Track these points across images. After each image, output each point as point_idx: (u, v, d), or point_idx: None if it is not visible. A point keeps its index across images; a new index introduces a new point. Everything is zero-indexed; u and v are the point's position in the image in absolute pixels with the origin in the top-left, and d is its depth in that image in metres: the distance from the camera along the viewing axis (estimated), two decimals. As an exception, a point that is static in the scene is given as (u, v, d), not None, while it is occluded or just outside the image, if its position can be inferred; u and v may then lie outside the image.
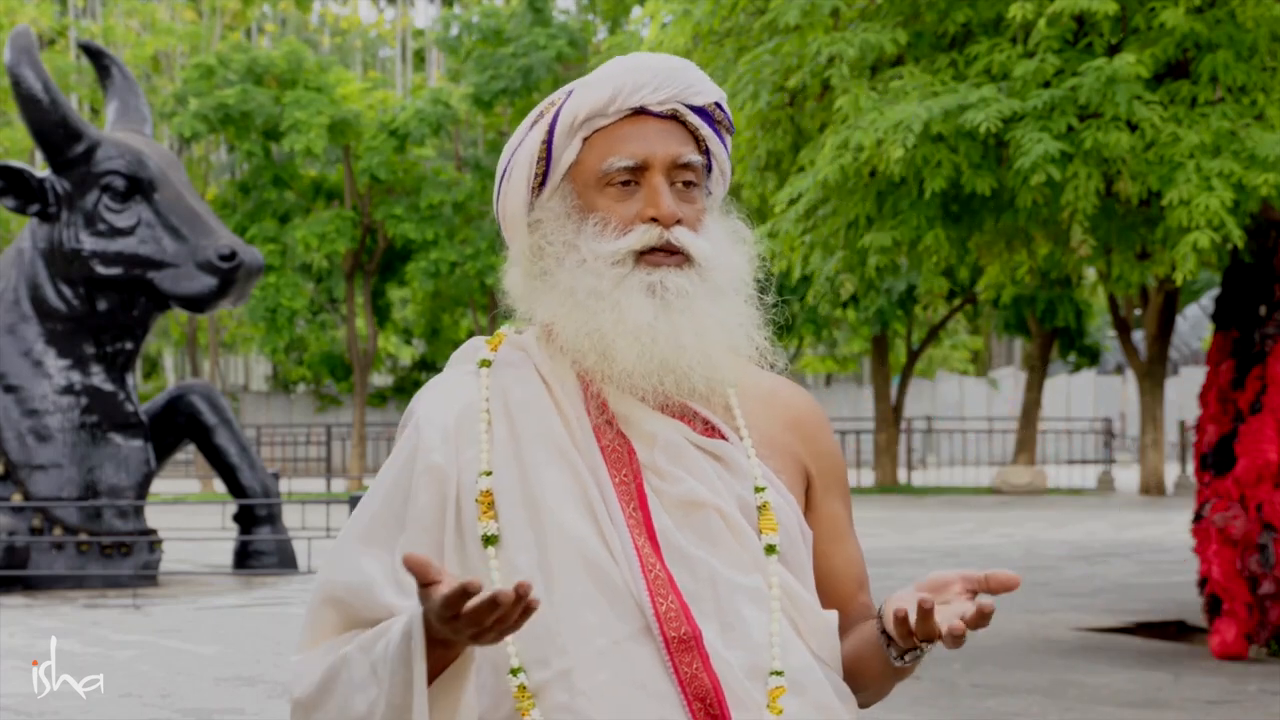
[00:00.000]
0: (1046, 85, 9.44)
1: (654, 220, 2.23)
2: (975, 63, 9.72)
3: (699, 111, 2.31)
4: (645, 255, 2.23)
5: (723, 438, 2.27)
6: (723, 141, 2.35)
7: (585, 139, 2.28)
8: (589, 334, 2.22)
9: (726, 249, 2.28)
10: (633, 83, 2.27)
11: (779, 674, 2.18)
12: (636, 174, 2.25)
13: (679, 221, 2.23)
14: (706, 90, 2.31)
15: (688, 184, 2.27)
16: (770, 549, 2.23)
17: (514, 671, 2.16)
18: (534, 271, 2.29)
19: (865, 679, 2.28)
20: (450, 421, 2.25)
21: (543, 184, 2.30)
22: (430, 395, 2.30)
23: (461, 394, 2.28)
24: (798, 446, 2.34)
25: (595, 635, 2.15)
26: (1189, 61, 9.76)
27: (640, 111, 2.28)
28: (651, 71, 2.28)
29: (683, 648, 2.14)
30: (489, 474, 2.21)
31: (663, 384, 2.22)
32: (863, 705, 2.33)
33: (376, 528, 2.24)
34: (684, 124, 2.30)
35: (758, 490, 2.25)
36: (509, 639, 2.15)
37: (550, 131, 2.29)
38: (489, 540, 2.19)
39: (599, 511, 2.19)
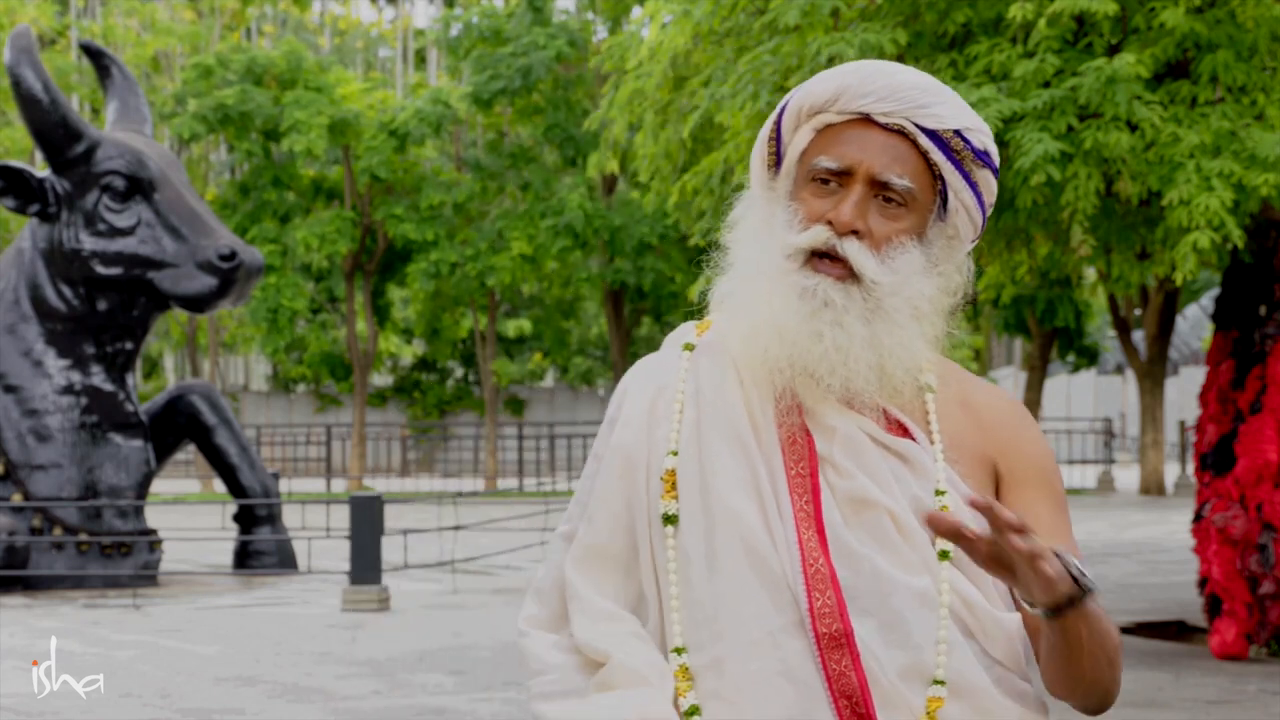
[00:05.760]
0: (1046, 85, 9.44)
1: (830, 224, 2.24)
2: (975, 63, 9.72)
3: (931, 135, 2.28)
4: (815, 259, 2.24)
5: (911, 438, 2.27)
6: (963, 172, 2.30)
7: (818, 131, 2.30)
8: (743, 314, 2.27)
9: (910, 275, 2.25)
10: (859, 87, 2.27)
11: (940, 683, 2.17)
12: (840, 177, 2.26)
13: (855, 233, 2.23)
14: (944, 115, 2.27)
15: (890, 200, 2.25)
16: (944, 554, 2.22)
17: (677, 650, 2.21)
18: (739, 239, 2.35)
19: (1060, 661, 2.19)
20: (647, 401, 2.32)
21: (778, 164, 2.35)
22: (636, 373, 2.38)
23: (662, 374, 2.35)
24: (988, 447, 2.31)
25: (751, 625, 2.17)
26: (1189, 61, 9.76)
27: (868, 119, 2.27)
28: (883, 81, 2.28)
29: (833, 644, 2.15)
30: (675, 454, 2.26)
31: (794, 383, 2.24)
32: (1093, 708, 2.30)
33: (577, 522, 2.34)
34: (916, 145, 2.28)
35: (938, 494, 2.24)
36: (675, 616, 2.22)
37: (779, 115, 2.34)
38: (669, 519, 2.24)
39: (767, 500, 2.21)
